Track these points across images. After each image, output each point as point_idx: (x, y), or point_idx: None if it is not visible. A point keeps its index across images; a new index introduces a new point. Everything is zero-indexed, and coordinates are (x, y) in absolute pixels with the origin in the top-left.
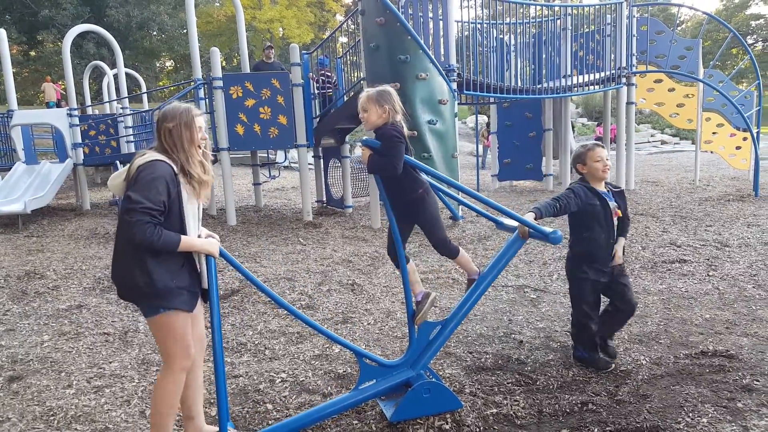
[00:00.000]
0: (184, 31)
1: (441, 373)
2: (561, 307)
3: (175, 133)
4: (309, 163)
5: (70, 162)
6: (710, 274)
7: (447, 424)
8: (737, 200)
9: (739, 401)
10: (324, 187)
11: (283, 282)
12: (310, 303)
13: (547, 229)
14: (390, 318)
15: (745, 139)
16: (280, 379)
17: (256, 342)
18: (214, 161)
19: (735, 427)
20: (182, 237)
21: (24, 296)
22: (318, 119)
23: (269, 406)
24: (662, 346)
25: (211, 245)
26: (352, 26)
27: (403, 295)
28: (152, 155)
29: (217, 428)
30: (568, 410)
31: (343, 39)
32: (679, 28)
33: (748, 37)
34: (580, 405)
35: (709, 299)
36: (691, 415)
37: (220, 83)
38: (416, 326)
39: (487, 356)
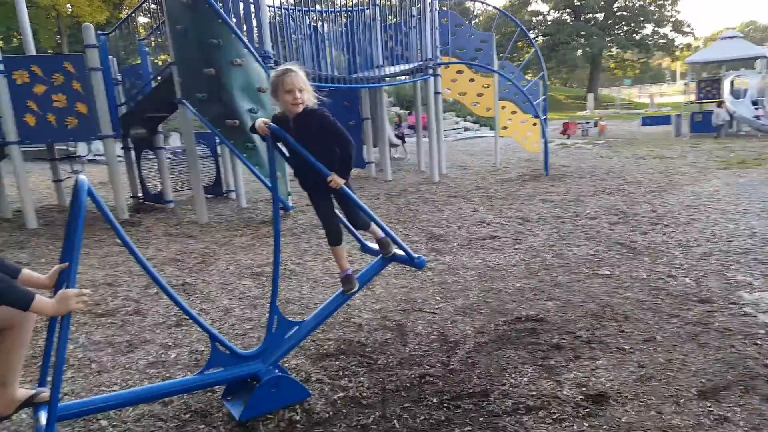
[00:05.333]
0: None
1: (286, 364)
2: (393, 288)
3: None
4: (118, 156)
5: None
6: (516, 247)
7: (297, 414)
8: (532, 180)
9: (551, 359)
10: (139, 181)
11: (104, 288)
12: (136, 308)
13: (414, 254)
14: (228, 315)
15: (534, 125)
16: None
17: (80, 356)
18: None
19: (550, 383)
20: (37, 296)
21: None
22: (124, 107)
23: (103, 423)
24: (483, 315)
25: (66, 302)
26: (153, 6)
27: (240, 292)
28: None
29: (32, 391)
30: (408, 384)
31: (144, 19)
32: (473, 22)
33: (530, 31)
34: (418, 378)
35: (518, 270)
36: (513, 376)
37: (0, 67)
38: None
39: (330, 342)
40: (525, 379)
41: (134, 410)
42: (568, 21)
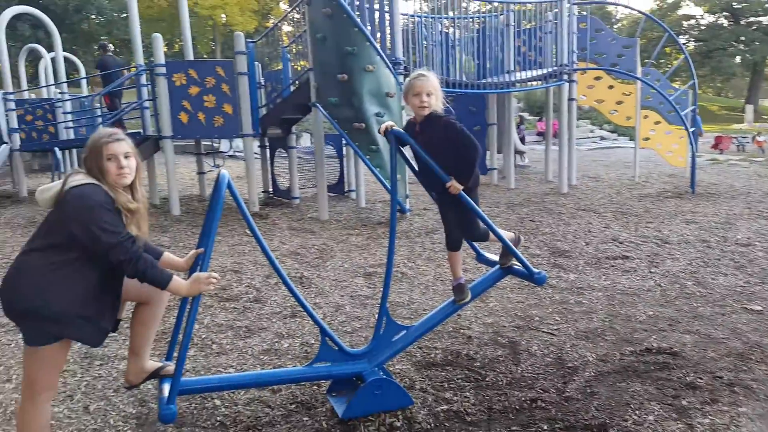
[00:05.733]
0: (124, 15)
1: (391, 368)
2: (508, 302)
3: (88, 163)
4: (255, 153)
5: (6, 147)
6: (652, 270)
7: (398, 421)
8: (675, 197)
9: (684, 399)
10: (270, 177)
11: (230, 274)
12: (257, 296)
13: (534, 268)
14: (339, 312)
15: (681, 137)
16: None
17: (203, 336)
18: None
19: (680, 425)
20: (174, 277)
21: None
22: (264, 108)
23: (217, 402)
24: (608, 342)
25: (198, 284)
26: (297, 15)
27: (352, 290)
28: (85, 178)
29: (159, 363)
30: (517, 407)
31: (288, 28)
32: (615, 27)
33: (680, 36)
34: (529, 402)
35: (652, 296)
36: (637, 412)
37: (162, 70)
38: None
39: (437, 352)
40: (651, 418)
41: (245, 394)
42: (726, 25)
